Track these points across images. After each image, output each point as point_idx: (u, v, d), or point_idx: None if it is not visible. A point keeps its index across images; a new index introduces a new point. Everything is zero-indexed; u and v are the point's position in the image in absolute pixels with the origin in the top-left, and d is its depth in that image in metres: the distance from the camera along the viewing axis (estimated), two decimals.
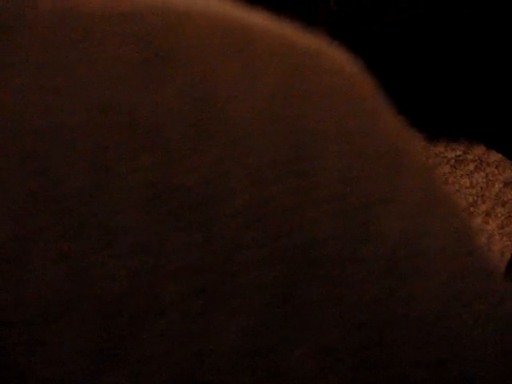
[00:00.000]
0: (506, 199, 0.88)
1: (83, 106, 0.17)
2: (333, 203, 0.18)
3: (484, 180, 0.88)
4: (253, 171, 0.17)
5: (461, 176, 0.89)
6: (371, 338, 0.17)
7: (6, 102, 0.17)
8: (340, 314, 0.17)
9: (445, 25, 0.60)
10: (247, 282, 0.16)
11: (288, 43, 0.21)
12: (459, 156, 0.89)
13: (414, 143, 0.23)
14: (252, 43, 0.20)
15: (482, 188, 0.88)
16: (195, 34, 0.19)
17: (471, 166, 0.89)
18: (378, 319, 0.18)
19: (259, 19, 0.21)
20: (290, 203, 0.17)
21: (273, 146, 0.18)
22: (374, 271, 0.18)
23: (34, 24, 0.18)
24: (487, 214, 0.88)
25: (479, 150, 0.89)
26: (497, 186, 0.88)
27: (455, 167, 0.89)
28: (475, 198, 0.88)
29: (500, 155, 0.89)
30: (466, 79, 0.85)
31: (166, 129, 0.17)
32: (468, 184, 0.88)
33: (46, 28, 0.18)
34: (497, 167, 0.89)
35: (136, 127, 0.17)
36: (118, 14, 0.19)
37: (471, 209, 0.88)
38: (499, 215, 0.88)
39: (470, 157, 0.89)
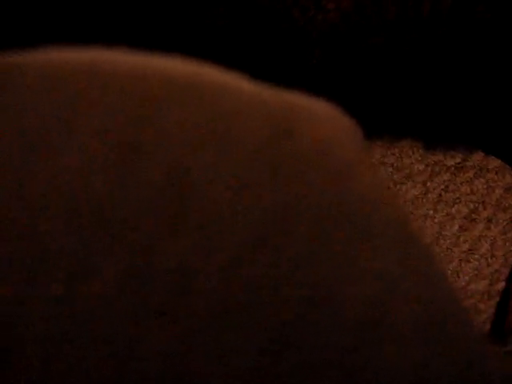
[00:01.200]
0: (507, 205, 0.88)
1: (58, 199, 0.17)
2: (306, 278, 0.18)
3: (484, 186, 0.89)
4: (229, 253, 0.17)
5: (461, 183, 0.89)
6: None
7: None
8: None
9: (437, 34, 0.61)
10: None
11: (266, 107, 0.21)
12: (459, 163, 0.89)
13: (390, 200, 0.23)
14: (228, 112, 0.20)
15: (482, 194, 0.89)
16: (171, 118, 0.19)
17: (471, 173, 0.89)
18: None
19: (238, 83, 0.22)
20: (265, 283, 0.17)
21: (247, 224, 0.18)
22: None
23: None
24: (489, 220, 0.88)
25: (478, 157, 0.89)
26: (497, 191, 0.89)
27: (455, 174, 0.89)
28: (476, 205, 0.88)
29: (499, 161, 0.89)
30: (461, 87, 0.86)
31: (141, 218, 0.17)
32: (468, 191, 0.89)
33: None
34: (496, 173, 0.89)
35: (110, 220, 0.17)
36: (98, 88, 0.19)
37: (472, 215, 0.88)
38: (501, 221, 0.88)
39: (469, 164, 0.89)
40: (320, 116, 0.23)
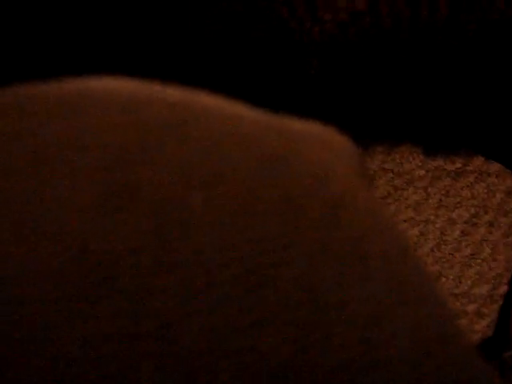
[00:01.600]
0: (508, 209, 0.88)
1: (36, 239, 0.17)
2: (290, 314, 0.18)
3: (485, 191, 0.89)
4: (215, 290, 0.17)
5: (462, 188, 0.89)
6: None
7: None
8: None
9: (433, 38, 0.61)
10: None
11: (262, 134, 0.21)
12: (459, 168, 0.89)
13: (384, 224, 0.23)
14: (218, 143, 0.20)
15: (483, 199, 0.89)
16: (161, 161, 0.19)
17: (471, 178, 0.89)
18: None
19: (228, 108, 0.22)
20: (257, 319, 0.17)
21: (235, 260, 0.18)
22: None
23: None
24: (490, 224, 0.88)
25: (478, 162, 0.89)
26: (498, 195, 0.89)
27: (456, 179, 0.89)
28: (477, 209, 0.89)
29: (500, 165, 0.89)
30: (459, 92, 0.86)
31: (122, 261, 0.17)
32: (469, 195, 0.89)
33: None
34: (497, 177, 0.89)
35: (96, 263, 0.17)
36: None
37: (474, 220, 0.88)
38: (502, 225, 0.88)
39: (469, 168, 0.89)
40: (315, 140, 0.23)
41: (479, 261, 0.88)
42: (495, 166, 0.89)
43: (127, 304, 0.16)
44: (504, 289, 0.87)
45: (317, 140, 0.24)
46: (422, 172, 0.90)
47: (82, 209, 0.18)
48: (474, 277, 0.87)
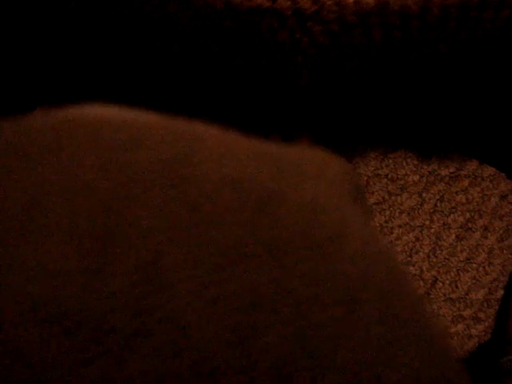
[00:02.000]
0: (503, 213, 0.88)
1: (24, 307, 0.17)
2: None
3: (480, 195, 0.88)
4: (204, 353, 0.17)
5: (456, 192, 0.89)
6: None
7: None
8: None
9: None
10: None
11: (255, 167, 0.21)
12: (453, 173, 0.89)
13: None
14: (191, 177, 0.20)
15: (478, 203, 0.88)
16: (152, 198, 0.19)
17: (466, 182, 0.89)
18: None
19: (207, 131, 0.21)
20: (251, 371, 0.17)
21: (226, 312, 0.18)
22: None
23: None
24: (485, 229, 0.88)
25: (472, 166, 0.89)
26: (493, 199, 0.88)
27: (450, 184, 0.89)
28: (472, 214, 0.88)
29: (494, 169, 0.89)
30: (454, 98, 0.86)
31: (113, 316, 0.17)
32: (464, 200, 0.88)
33: None
34: (491, 181, 0.89)
35: (82, 322, 0.17)
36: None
37: (469, 224, 0.88)
38: (497, 229, 0.88)
39: (463, 173, 0.89)
40: (308, 169, 0.23)
41: (475, 265, 0.87)
42: (489, 170, 0.89)
43: (111, 367, 0.16)
44: (500, 293, 0.86)
45: (310, 168, 0.23)
46: (416, 177, 0.89)
47: (61, 272, 0.17)
48: (470, 282, 0.87)
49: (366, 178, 0.89)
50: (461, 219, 0.88)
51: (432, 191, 0.89)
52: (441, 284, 0.87)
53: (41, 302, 0.16)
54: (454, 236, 0.88)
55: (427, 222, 0.88)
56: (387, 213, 0.89)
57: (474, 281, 0.87)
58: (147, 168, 0.19)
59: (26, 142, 0.20)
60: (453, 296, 0.87)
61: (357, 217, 0.23)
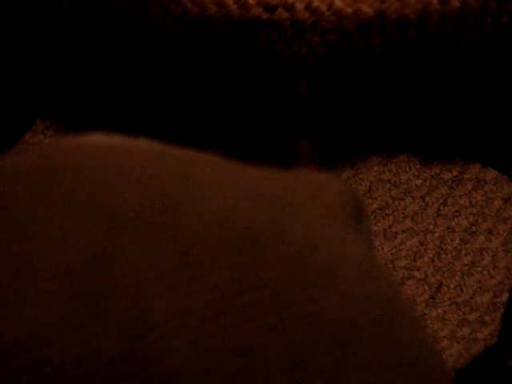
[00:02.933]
0: (506, 215, 0.88)
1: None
2: None
3: (483, 198, 0.88)
4: None
5: (459, 196, 0.88)
6: None
7: None
8: None
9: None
10: None
11: (253, 199, 0.21)
12: (456, 176, 0.89)
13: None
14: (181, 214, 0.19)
15: (481, 206, 0.88)
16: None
17: (469, 186, 0.89)
18: None
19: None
20: None
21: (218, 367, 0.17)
22: None
23: None
24: (489, 232, 0.88)
25: (475, 169, 0.89)
26: (496, 203, 0.88)
27: (453, 188, 0.89)
28: (476, 217, 0.88)
29: (497, 172, 0.88)
30: (454, 99, 0.86)
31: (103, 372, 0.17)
32: (467, 203, 0.88)
33: None
34: (495, 184, 0.88)
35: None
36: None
37: (473, 228, 0.88)
38: (501, 232, 0.88)
39: (466, 176, 0.89)
40: (304, 200, 0.23)
41: (480, 269, 0.87)
42: (492, 173, 0.88)
43: None
44: (506, 296, 0.86)
45: (303, 197, 0.23)
46: (419, 181, 0.89)
47: (54, 322, 0.17)
48: (475, 285, 0.87)
49: (368, 184, 0.89)
50: (465, 223, 0.88)
51: (435, 195, 0.89)
52: (446, 288, 0.86)
53: (21, 348, 0.16)
54: (458, 240, 0.88)
55: (431, 227, 0.88)
56: (391, 218, 0.88)
57: (479, 284, 0.87)
58: (137, 211, 0.19)
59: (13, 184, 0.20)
60: (458, 300, 0.86)
61: (354, 244, 0.23)
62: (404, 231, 0.88)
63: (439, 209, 0.88)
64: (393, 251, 0.88)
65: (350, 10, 0.52)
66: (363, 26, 0.53)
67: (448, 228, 0.88)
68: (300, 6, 0.52)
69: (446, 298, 0.86)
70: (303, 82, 0.60)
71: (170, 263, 0.19)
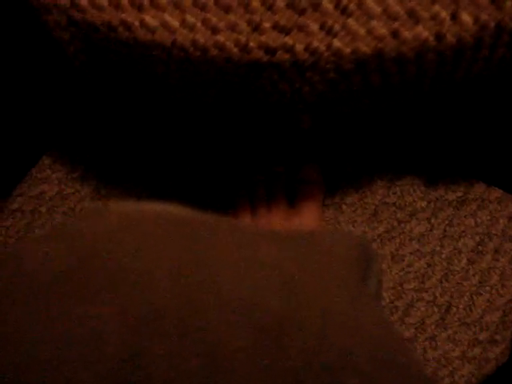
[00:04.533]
0: None
1: None
2: None
3: (488, 218, 0.89)
4: None
5: (465, 216, 0.89)
6: None
7: None
8: None
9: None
10: None
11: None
12: (460, 197, 0.90)
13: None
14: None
15: (487, 226, 0.89)
16: None
17: (474, 206, 0.89)
18: None
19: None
20: None
21: None
22: None
23: None
24: (496, 251, 0.88)
25: (479, 189, 0.89)
26: (502, 221, 0.89)
27: (458, 208, 0.89)
28: (482, 237, 0.89)
29: (501, 191, 0.89)
30: (455, 123, 0.87)
31: None
32: (473, 223, 0.89)
33: None
34: (499, 203, 0.89)
35: None
36: None
37: (479, 248, 0.88)
38: (508, 250, 0.88)
39: (471, 196, 0.89)
40: (322, 278, 0.24)
41: (488, 288, 0.88)
42: (496, 192, 0.89)
43: None
44: None
45: (321, 269, 0.24)
46: (424, 203, 0.90)
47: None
48: (484, 305, 0.87)
49: (373, 207, 0.90)
50: (471, 243, 0.89)
51: (441, 216, 0.89)
52: (455, 309, 0.87)
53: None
54: (465, 260, 0.88)
55: (438, 248, 0.89)
56: (397, 240, 0.89)
57: (488, 304, 0.87)
58: (161, 313, 0.20)
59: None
60: (468, 320, 0.87)
61: (364, 310, 0.23)
62: (411, 253, 0.89)
63: (445, 230, 0.89)
64: (401, 273, 0.88)
65: (348, 50, 0.53)
66: (361, 64, 0.54)
67: (455, 249, 0.89)
68: (300, 47, 0.53)
69: (455, 319, 0.87)
70: (305, 118, 0.61)
71: (195, 367, 0.19)
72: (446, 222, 0.89)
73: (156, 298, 0.21)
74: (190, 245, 0.23)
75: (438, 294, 0.87)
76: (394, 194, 0.90)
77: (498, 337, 0.87)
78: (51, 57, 0.74)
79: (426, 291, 0.88)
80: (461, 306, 0.87)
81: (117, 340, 0.19)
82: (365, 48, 0.52)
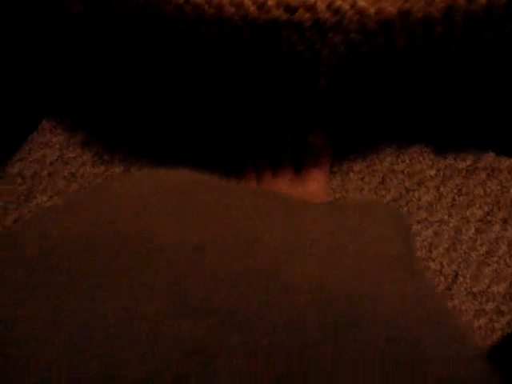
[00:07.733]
0: None
1: None
2: None
3: (498, 187, 0.87)
4: None
5: (474, 186, 0.88)
6: None
7: None
8: None
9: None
10: None
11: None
12: (470, 166, 0.88)
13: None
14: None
15: (496, 195, 0.87)
16: None
17: (483, 175, 0.88)
18: None
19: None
20: None
21: None
22: None
23: None
24: (504, 221, 0.87)
25: (489, 158, 0.88)
26: (511, 191, 0.87)
27: (467, 177, 0.88)
28: (491, 207, 0.87)
29: (511, 160, 0.88)
30: (468, 90, 0.84)
31: None
32: (482, 193, 0.87)
33: None
34: (509, 172, 0.87)
35: None
36: None
37: (488, 217, 0.87)
38: None
39: (480, 165, 0.88)
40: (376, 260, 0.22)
41: (496, 258, 0.87)
42: (506, 162, 0.87)
43: None
44: None
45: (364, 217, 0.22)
46: (433, 172, 0.88)
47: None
48: (491, 275, 0.86)
49: (381, 175, 0.88)
50: (480, 212, 0.87)
51: (449, 185, 0.88)
52: (462, 279, 0.86)
53: None
54: (473, 230, 0.87)
55: (446, 217, 0.87)
56: (405, 209, 0.88)
57: (495, 274, 0.86)
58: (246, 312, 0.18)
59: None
60: (474, 290, 0.86)
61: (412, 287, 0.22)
62: (419, 222, 0.87)
63: (454, 199, 0.88)
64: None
65: (372, 10, 0.50)
66: (386, 24, 0.51)
67: (463, 218, 0.87)
68: (322, 5, 0.50)
69: (462, 289, 0.86)
70: (323, 82, 0.58)
71: None
72: (455, 191, 0.88)
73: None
74: (253, 218, 0.21)
75: (445, 264, 0.86)
76: (403, 161, 0.88)
77: (504, 307, 0.86)
78: (49, 19, 0.71)
79: (433, 260, 0.86)
80: (468, 276, 0.86)
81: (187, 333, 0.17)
82: (390, 8, 0.50)
